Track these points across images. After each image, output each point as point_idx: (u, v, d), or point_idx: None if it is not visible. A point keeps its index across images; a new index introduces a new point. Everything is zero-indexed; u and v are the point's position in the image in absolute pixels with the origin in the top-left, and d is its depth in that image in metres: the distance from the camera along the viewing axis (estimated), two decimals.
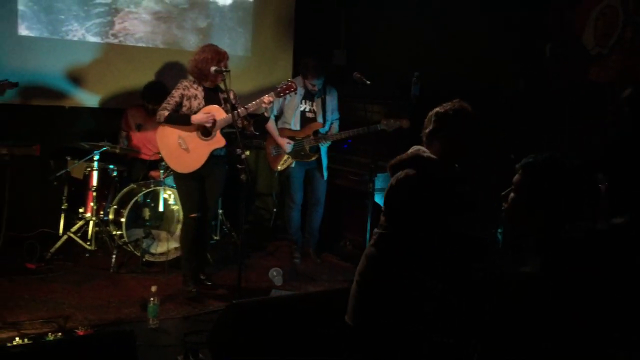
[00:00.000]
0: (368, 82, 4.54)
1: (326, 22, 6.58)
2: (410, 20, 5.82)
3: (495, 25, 5.08)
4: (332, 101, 5.24)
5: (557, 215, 1.92)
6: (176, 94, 4.27)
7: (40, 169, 5.22)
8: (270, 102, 4.33)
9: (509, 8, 5.00)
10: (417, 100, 5.10)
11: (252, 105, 4.25)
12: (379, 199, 4.98)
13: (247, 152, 4.56)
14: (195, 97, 4.25)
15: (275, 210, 6.38)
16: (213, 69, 4.18)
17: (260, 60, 6.37)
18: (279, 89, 4.36)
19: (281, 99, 5.03)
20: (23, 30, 5.28)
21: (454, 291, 2.36)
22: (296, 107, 5.13)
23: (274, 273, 4.73)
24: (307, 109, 5.17)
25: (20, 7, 5.23)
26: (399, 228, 2.43)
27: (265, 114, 4.49)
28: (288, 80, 4.42)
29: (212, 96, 4.31)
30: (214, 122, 4.19)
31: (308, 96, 5.14)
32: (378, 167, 4.63)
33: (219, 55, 4.24)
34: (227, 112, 4.23)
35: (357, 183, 5.24)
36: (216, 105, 4.26)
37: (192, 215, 4.31)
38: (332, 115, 5.25)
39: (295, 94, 4.80)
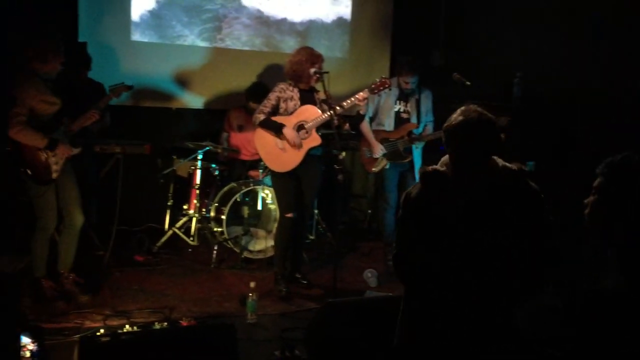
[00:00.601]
0: (468, 83, 4.46)
1: (424, 22, 6.51)
2: (511, 19, 5.65)
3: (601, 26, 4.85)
4: (426, 102, 5.14)
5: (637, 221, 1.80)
6: (272, 96, 4.37)
7: (149, 167, 5.52)
8: (365, 99, 4.30)
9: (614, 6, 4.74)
10: (519, 102, 4.94)
11: (347, 103, 4.27)
12: None
13: (344, 153, 4.60)
14: (292, 98, 4.33)
15: (369, 211, 6.39)
16: (312, 70, 4.25)
17: (357, 62, 6.41)
18: (373, 86, 4.34)
19: (376, 100, 5.03)
20: (136, 36, 5.61)
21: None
22: (390, 107, 5.08)
23: (369, 274, 4.73)
24: (401, 110, 5.09)
25: (134, 16, 5.57)
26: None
27: (361, 112, 4.49)
28: (382, 77, 4.39)
29: (307, 97, 4.37)
30: (307, 133, 4.24)
31: (402, 96, 5.09)
32: None
33: (313, 57, 4.30)
34: (323, 112, 4.28)
35: None
36: (311, 105, 4.32)
37: (288, 215, 4.37)
38: (427, 116, 5.15)
39: (390, 90, 4.75)
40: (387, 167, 5.10)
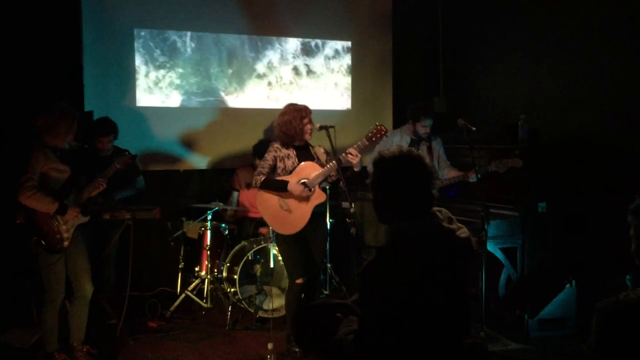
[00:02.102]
0: (473, 129, 4.46)
1: (424, 69, 6.59)
2: (512, 63, 5.72)
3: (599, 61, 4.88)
4: (438, 148, 5.18)
5: None
6: (269, 157, 4.31)
7: (159, 230, 5.49)
8: (356, 154, 4.22)
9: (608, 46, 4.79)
10: (526, 144, 4.93)
11: (341, 159, 4.20)
12: (492, 247, 4.82)
13: (353, 205, 4.53)
14: (288, 156, 4.28)
15: None
16: (317, 126, 4.24)
17: (359, 113, 6.46)
18: (370, 134, 4.30)
19: (387, 146, 5.04)
20: (141, 102, 5.69)
21: None
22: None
23: None
24: None
25: (139, 83, 5.67)
26: None
27: (355, 169, 4.36)
28: (377, 124, 4.32)
29: (304, 153, 4.33)
30: (310, 191, 4.18)
31: (414, 143, 5.12)
32: (491, 214, 4.48)
33: (299, 113, 4.24)
34: (322, 166, 4.24)
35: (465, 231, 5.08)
36: (310, 162, 4.28)
37: (298, 281, 4.23)
38: (444, 162, 5.16)
39: (386, 136, 4.73)
40: None
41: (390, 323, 2.14)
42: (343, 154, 4.17)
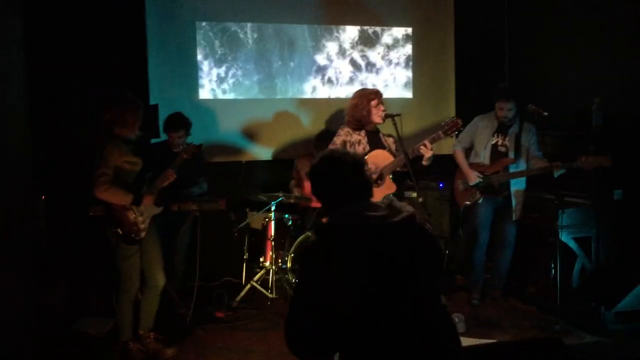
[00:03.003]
0: (545, 114, 4.30)
1: (489, 56, 6.40)
2: (581, 48, 5.46)
3: None
4: (529, 137, 4.85)
5: None
6: (338, 141, 4.28)
7: (223, 222, 5.54)
8: (430, 147, 4.13)
9: None
10: (600, 129, 4.71)
11: (411, 152, 4.13)
12: (565, 237, 4.65)
13: (420, 198, 4.42)
14: (359, 142, 4.25)
15: (447, 252, 6.19)
16: (382, 113, 4.19)
17: (422, 100, 6.34)
18: (446, 128, 4.22)
19: (472, 132, 4.91)
20: (203, 95, 5.74)
21: None
22: (487, 139, 4.89)
23: (456, 319, 4.53)
24: (499, 143, 4.88)
25: (201, 75, 5.72)
26: None
27: (424, 163, 4.28)
28: (453, 117, 4.26)
29: (375, 139, 4.29)
30: (380, 173, 4.12)
31: (501, 130, 4.88)
32: (564, 203, 4.32)
33: (368, 95, 4.24)
34: (393, 155, 4.18)
35: (539, 220, 4.90)
36: (381, 150, 4.23)
37: None
38: (535, 152, 4.85)
39: (461, 130, 4.62)
40: (481, 201, 4.90)
41: (313, 312, 2.03)
42: (417, 146, 4.12)
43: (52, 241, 4.84)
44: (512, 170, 4.80)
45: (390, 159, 4.17)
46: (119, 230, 3.86)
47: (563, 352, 3.32)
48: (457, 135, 4.97)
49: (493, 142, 4.87)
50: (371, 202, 2.22)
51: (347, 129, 4.31)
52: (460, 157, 4.96)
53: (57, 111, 5.11)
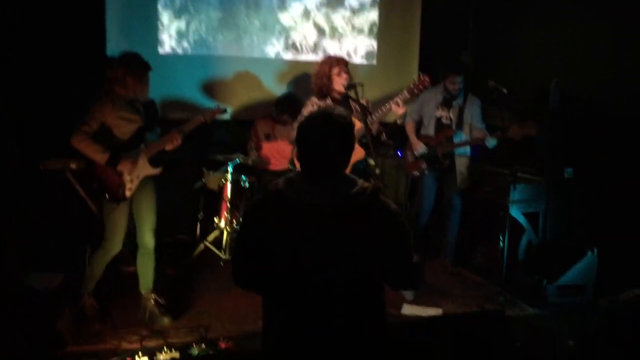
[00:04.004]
0: (505, 91, 4.35)
1: (453, 24, 6.39)
2: (545, 21, 5.50)
3: None
4: (472, 109, 5.04)
5: None
6: (306, 111, 4.26)
7: (179, 180, 5.48)
8: (402, 105, 4.18)
9: None
10: (557, 109, 4.80)
11: (384, 110, 4.17)
12: (515, 211, 4.77)
13: (373, 162, 4.46)
14: None
15: None
16: (344, 84, 4.17)
17: (385, 67, 6.32)
18: (412, 86, 4.23)
19: (418, 103, 4.98)
20: (163, 49, 5.59)
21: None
22: (432, 113, 5.06)
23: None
24: (443, 116, 5.06)
25: (161, 29, 5.56)
26: None
27: (398, 121, 4.39)
28: (420, 75, 4.25)
29: (342, 106, 4.27)
30: None
31: (445, 103, 5.04)
32: (517, 178, 4.41)
33: (329, 63, 4.23)
34: (361, 121, 4.18)
35: (491, 194, 5.02)
36: None
37: None
38: (477, 125, 5.03)
39: (428, 88, 4.68)
40: (426, 172, 5.05)
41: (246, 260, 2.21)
42: (388, 105, 4.13)
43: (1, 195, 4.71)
44: (455, 140, 4.96)
45: (359, 125, 4.18)
46: (100, 187, 3.81)
47: (504, 324, 3.45)
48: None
49: (438, 115, 5.04)
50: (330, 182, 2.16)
51: (314, 99, 4.30)
52: (410, 129, 5.14)
53: (9, 56, 4.90)
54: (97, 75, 4.98)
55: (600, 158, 4.77)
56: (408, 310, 4.33)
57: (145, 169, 3.91)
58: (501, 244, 4.39)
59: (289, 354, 2.16)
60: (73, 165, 4.60)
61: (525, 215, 4.88)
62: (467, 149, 5.05)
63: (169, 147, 3.97)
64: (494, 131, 4.76)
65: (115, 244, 3.92)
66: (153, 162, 3.96)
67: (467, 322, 3.29)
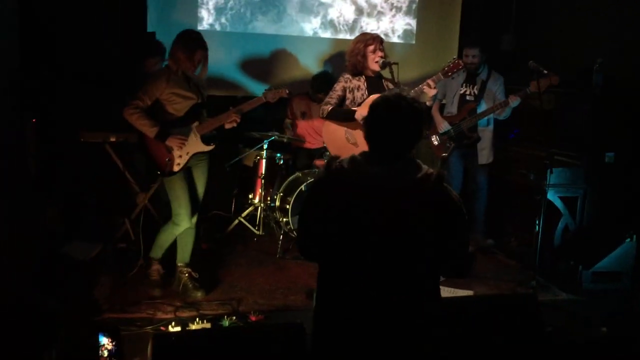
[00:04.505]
0: (545, 72, 4.26)
1: (495, 4, 6.26)
2: (587, 1, 5.33)
3: None
4: (495, 86, 5.01)
5: None
6: (338, 87, 4.26)
7: (215, 156, 5.53)
8: (434, 86, 4.16)
9: None
10: (600, 91, 4.68)
11: (415, 90, 4.14)
12: (552, 195, 4.69)
13: None
14: (358, 88, 4.21)
15: None
16: (379, 61, 4.13)
17: (424, 48, 6.23)
18: (446, 69, 4.20)
19: (444, 85, 4.96)
20: (202, 25, 5.64)
21: None
22: (456, 90, 5.04)
23: None
24: (467, 92, 5.05)
25: (201, 4, 5.60)
26: None
27: (427, 103, 4.34)
28: (454, 58, 4.25)
29: (375, 84, 4.23)
30: None
31: (469, 80, 5.02)
32: (554, 161, 4.34)
33: (365, 41, 4.18)
34: None
35: (526, 177, 4.94)
36: (380, 93, 4.20)
37: None
38: (500, 99, 4.96)
39: (464, 72, 4.76)
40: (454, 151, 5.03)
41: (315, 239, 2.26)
42: (420, 86, 4.12)
43: (42, 165, 4.86)
44: (477, 112, 4.95)
45: None
46: (150, 159, 3.95)
47: (536, 308, 3.41)
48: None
49: (462, 92, 5.05)
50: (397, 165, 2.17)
51: (347, 75, 4.28)
52: (434, 109, 5.11)
53: (51, 31, 5.01)
54: (138, 51, 5.10)
55: None
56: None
57: (196, 145, 3.97)
58: (536, 227, 4.32)
59: (343, 329, 2.19)
60: (112, 138, 4.71)
61: (563, 199, 4.79)
62: (491, 123, 5.02)
63: (228, 126, 4.02)
64: (534, 114, 4.67)
65: (183, 218, 3.97)
66: (205, 140, 4.01)
67: (498, 304, 3.25)
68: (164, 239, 4.11)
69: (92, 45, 5.05)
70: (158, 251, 4.14)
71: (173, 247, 4.17)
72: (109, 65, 5.05)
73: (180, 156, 3.92)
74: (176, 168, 3.92)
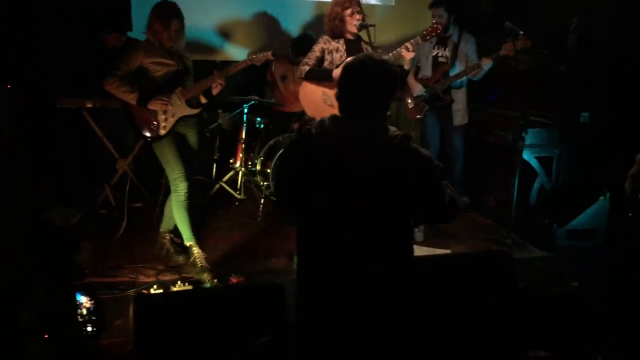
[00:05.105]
0: (521, 33, 4.28)
1: None
2: None
3: None
4: (467, 47, 5.02)
5: None
6: (317, 48, 4.26)
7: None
8: (412, 49, 4.16)
9: None
10: (575, 51, 4.71)
11: (394, 54, 4.15)
12: (527, 155, 4.76)
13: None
14: (337, 50, 4.21)
15: None
16: (356, 23, 4.12)
17: (404, 10, 6.20)
18: (424, 32, 4.21)
19: (418, 48, 4.94)
20: None
21: None
22: (428, 53, 5.04)
23: (415, 229, 4.70)
24: (440, 55, 5.05)
25: None
26: None
27: (405, 67, 4.35)
28: (433, 22, 4.28)
29: (354, 47, 4.23)
30: None
31: (441, 42, 5.03)
32: (530, 122, 4.39)
33: (342, 4, 4.15)
34: None
35: (503, 138, 5.01)
36: None
37: None
38: (472, 60, 4.97)
39: (443, 35, 4.75)
40: (428, 114, 5.04)
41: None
42: (398, 49, 4.12)
43: (18, 132, 4.82)
44: (451, 74, 4.95)
45: None
46: (136, 125, 3.96)
47: (510, 265, 3.50)
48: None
49: (434, 53, 5.03)
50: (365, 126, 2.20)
51: (325, 37, 4.27)
52: (410, 73, 5.08)
53: None
54: (115, 19, 5.04)
55: (617, 103, 4.70)
56: (417, 251, 4.38)
57: (181, 109, 3.97)
58: (512, 187, 4.40)
59: (322, 290, 2.26)
60: (89, 104, 4.69)
61: (539, 159, 4.87)
62: (464, 85, 5.05)
63: (215, 91, 4.01)
64: (510, 77, 4.71)
65: (179, 182, 3.95)
66: (191, 103, 4.01)
67: (473, 262, 3.34)
68: (167, 211, 4.11)
69: (68, 12, 4.98)
70: (167, 223, 4.15)
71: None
72: (89, 32, 4.99)
73: (166, 119, 3.93)
74: (162, 132, 3.93)
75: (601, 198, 4.64)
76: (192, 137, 4.14)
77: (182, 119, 3.99)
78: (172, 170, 3.95)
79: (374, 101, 2.21)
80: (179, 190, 3.96)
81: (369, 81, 2.19)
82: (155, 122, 3.91)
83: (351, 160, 2.15)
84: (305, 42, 5.46)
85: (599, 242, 4.66)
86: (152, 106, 3.89)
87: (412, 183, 2.15)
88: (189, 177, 4.03)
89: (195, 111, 4.04)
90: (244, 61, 4.11)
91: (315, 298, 2.29)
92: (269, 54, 4.08)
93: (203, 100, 4.08)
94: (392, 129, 2.19)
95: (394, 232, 2.22)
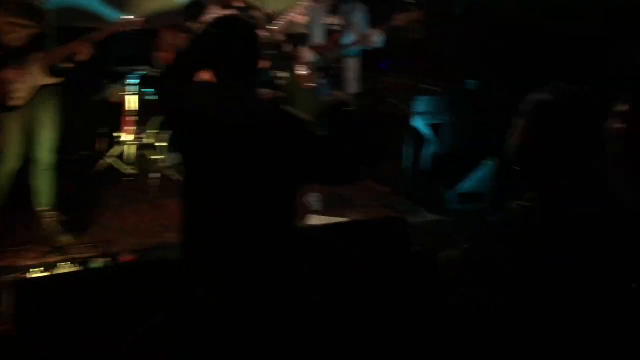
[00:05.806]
0: (414, 1, 4.34)
1: None
2: None
3: None
4: (360, 17, 5.00)
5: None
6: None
7: (80, 93, 5.22)
8: (305, 14, 4.11)
9: None
10: (463, 18, 4.85)
11: (285, 22, 4.07)
12: (419, 123, 4.88)
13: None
14: None
15: None
16: None
17: None
18: None
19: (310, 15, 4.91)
20: None
21: None
22: (321, 20, 4.99)
23: (314, 198, 4.72)
24: (332, 22, 5.02)
25: None
26: None
27: (304, 32, 4.31)
28: None
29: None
30: None
31: (333, 10, 4.97)
32: (420, 90, 4.49)
33: None
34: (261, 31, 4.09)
35: (396, 107, 5.10)
36: None
37: None
38: (364, 30, 5.02)
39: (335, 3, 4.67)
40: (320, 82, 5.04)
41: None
42: (291, 13, 4.05)
43: None
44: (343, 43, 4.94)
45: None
46: None
47: (404, 229, 3.59)
48: None
49: (327, 21, 4.96)
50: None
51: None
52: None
53: None
54: None
55: (506, 69, 4.87)
56: (314, 220, 4.42)
57: (40, 78, 3.65)
58: (403, 154, 4.51)
59: (207, 260, 2.21)
60: None
61: (430, 126, 5.01)
62: (357, 52, 5.02)
63: (81, 57, 3.70)
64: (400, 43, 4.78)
65: (12, 158, 3.66)
66: (52, 72, 3.70)
67: (369, 228, 3.40)
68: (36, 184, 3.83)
69: None
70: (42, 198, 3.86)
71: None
72: None
73: (23, 89, 3.60)
74: (18, 102, 3.60)
75: (488, 162, 4.84)
76: (50, 104, 3.79)
77: (43, 89, 3.69)
78: (11, 146, 3.63)
79: (238, 62, 2.17)
80: (6, 166, 3.66)
81: (231, 41, 2.18)
82: (7, 92, 3.55)
83: (223, 123, 2.13)
84: (197, 8, 5.26)
85: (487, 204, 4.88)
86: (5, 74, 3.54)
87: (286, 142, 2.13)
88: (48, 145, 3.77)
89: (54, 80, 3.72)
90: (112, 27, 3.87)
91: (205, 270, 2.24)
92: (139, 22, 3.87)
93: (67, 66, 3.77)
94: (263, 91, 2.20)
95: (278, 196, 2.19)
